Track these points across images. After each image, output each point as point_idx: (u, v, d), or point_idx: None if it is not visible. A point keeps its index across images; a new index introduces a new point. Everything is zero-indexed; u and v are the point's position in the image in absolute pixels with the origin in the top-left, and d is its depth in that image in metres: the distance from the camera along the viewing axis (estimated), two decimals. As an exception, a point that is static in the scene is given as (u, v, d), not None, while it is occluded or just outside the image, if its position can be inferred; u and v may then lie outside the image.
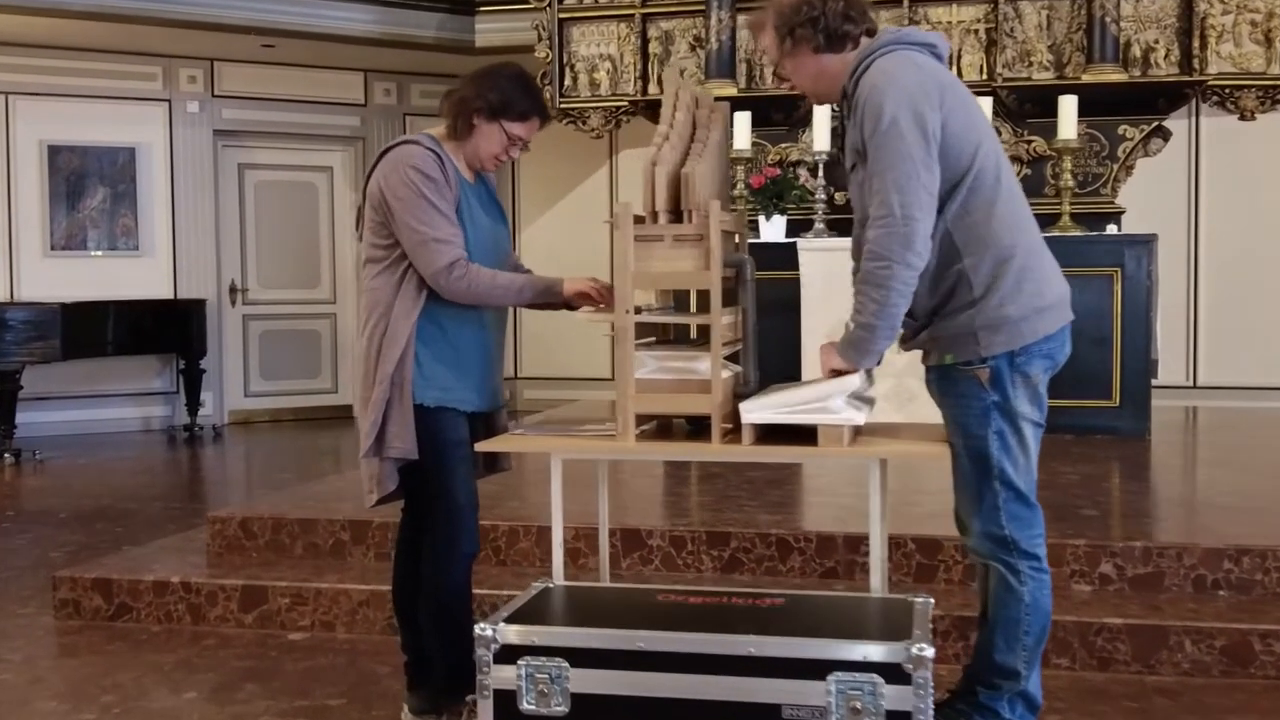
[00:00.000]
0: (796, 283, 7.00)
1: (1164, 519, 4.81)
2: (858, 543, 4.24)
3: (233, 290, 10.48)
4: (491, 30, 9.67)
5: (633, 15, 8.44)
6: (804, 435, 2.89)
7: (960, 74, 7.98)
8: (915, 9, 8.04)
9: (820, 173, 7.57)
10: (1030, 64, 7.95)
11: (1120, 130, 7.95)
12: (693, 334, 3.48)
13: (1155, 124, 7.93)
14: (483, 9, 9.70)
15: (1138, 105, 7.87)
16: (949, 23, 8.04)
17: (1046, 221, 7.66)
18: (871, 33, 2.98)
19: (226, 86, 10.25)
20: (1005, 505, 2.91)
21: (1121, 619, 3.80)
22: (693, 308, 3.54)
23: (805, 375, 6.31)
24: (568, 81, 8.59)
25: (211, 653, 4.10)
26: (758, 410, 2.90)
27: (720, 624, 2.74)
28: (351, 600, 4.27)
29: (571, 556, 4.44)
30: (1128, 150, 7.95)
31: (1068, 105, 7.20)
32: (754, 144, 7.73)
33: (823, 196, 7.54)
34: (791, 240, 7.15)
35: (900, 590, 4.09)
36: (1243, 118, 7.86)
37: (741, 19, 8.08)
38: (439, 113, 3.33)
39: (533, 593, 3.04)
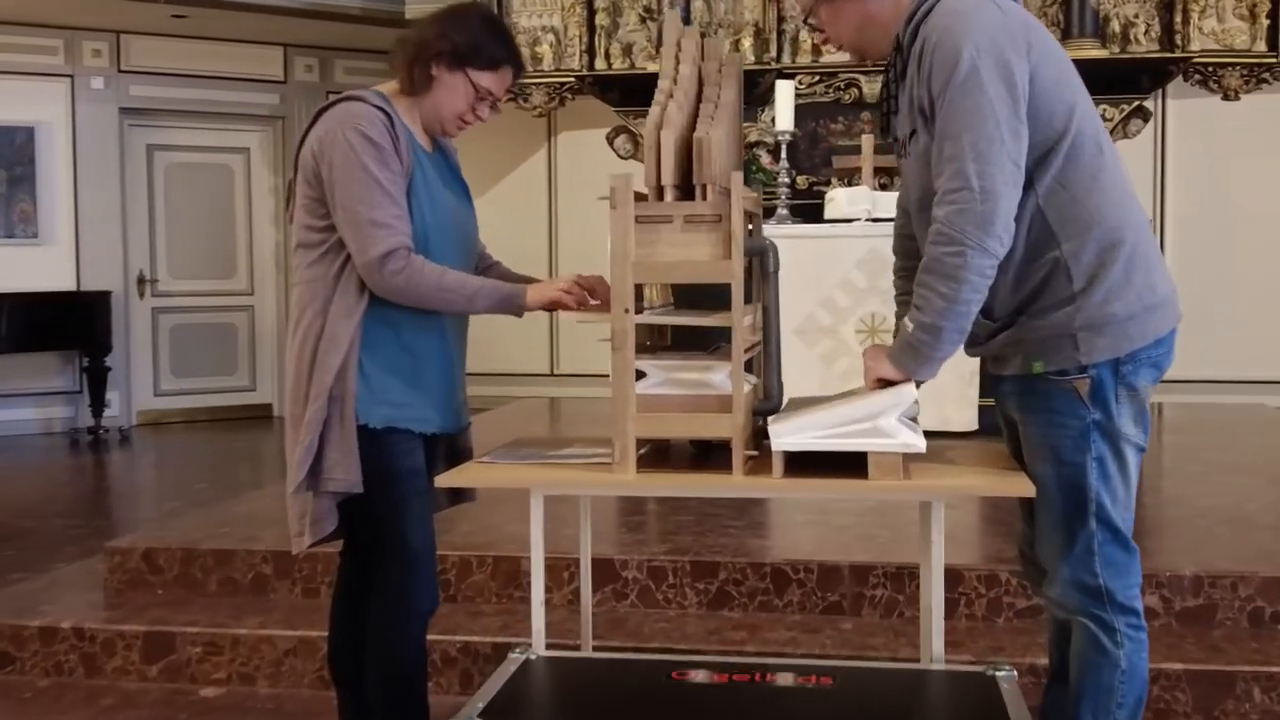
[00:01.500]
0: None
1: (1207, 540, 4.18)
2: (865, 573, 3.69)
3: (141, 281, 9.69)
4: (422, 1, 8.98)
5: (577, -17, 7.81)
6: (848, 463, 2.32)
7: (929, 50, 7.48)
8: (881, -20, 7.50)
9: (783, 154, 7.04)
10: (1004, 39, 7.46)
11: (1100, 110, 7.46)
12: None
13: (1136, 104, 7.48)
14: (412, -22, 9.01)
15: (1118, 84, 7.40)
16: (917, -5, 7.51)
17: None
18: None
19: (134, 61, 9.45)
20: (1101, 549, 2.36)
21: (1180, 664, 3.28)
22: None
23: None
24: (507, 55, 7.94)
25: (109, 715, 3.45)
26: (793, 435, 2.32)
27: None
28: (275, 648, 3.63)
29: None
30: (1109, 131, 7.48)
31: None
32: (711, 123, 7.17)
33: (785, 180, 7.01)
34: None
35: (918, 629, 3.55)
36: (1226, 97, 7.42)
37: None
38: (389, 65, 2.71)
39: (511, 668, 2.43)
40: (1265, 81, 7.36)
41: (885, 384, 2.37)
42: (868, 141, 7.22)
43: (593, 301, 2.59)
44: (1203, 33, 7.30)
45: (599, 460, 2.50)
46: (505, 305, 2.57)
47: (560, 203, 9.73)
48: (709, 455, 2.56)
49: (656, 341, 2.66)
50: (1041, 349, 2.35)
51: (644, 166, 2.42)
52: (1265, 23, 7.27)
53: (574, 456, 2.56)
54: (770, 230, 6.54)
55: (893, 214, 6.80)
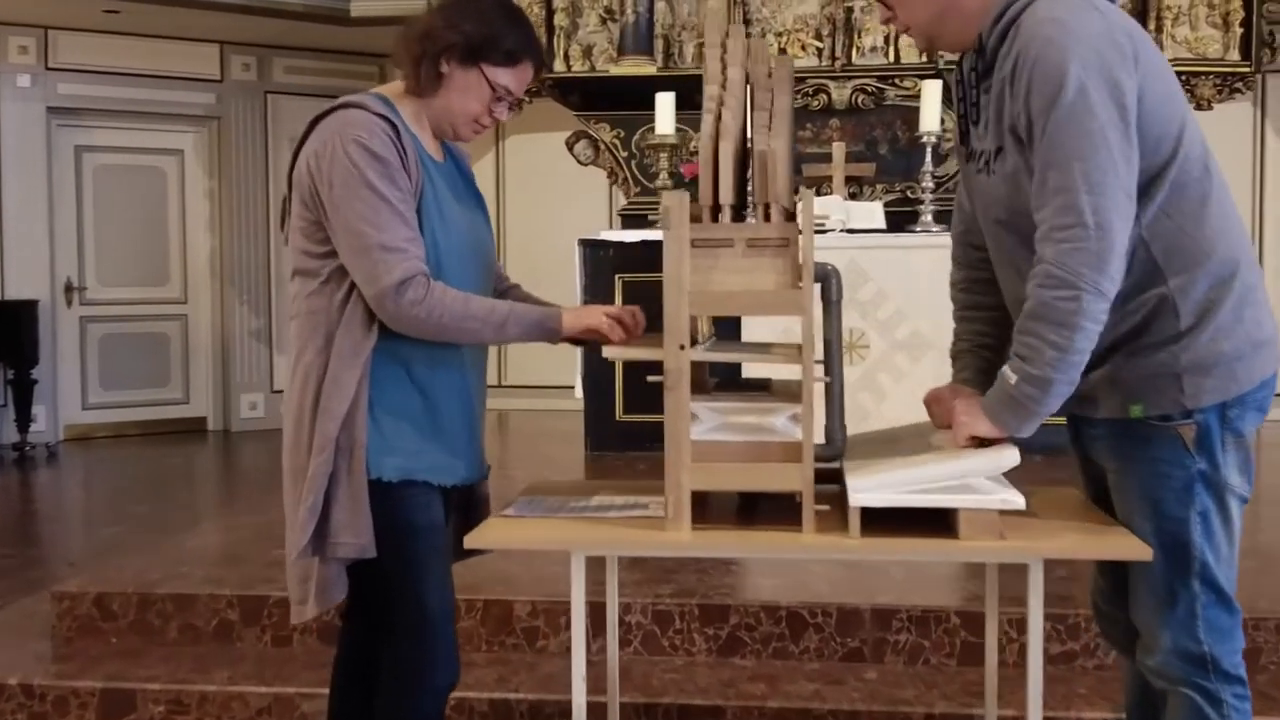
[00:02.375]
0: (736, 286, 6.21)
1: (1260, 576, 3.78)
2: (888, 617, 3.43)
3: (69, 289, 9.21)
4: (370, -1, 8.62)
5: (535, -18, 7.50)
6: (930, 518, 2.06)
7: (898, 59, 7.29)
8: (843, -11, 7.30)
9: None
10: (975, 46, 7.28)
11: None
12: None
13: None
14: (359, -26, 8.63)
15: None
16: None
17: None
18: None
19: (63, 58, 8.97)
20: (1205, 612, 2.12)
21: None
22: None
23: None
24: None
25: (61, 785, 3.10)
26: (875, 490, 2.05)
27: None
28: (248, 707, 3.29)
29: (528, 637, 3.54)
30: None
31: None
32: (676, 129, 6.91)
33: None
34: (730, 237, 6.35)
35: (948, 678, 3.30)
36: (1199, 107, 7.29)
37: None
38: (391, 62, 2.41)
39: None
40: (1238, 91, 7.25)
41: (977, 440, 2.12)
42: (839, 149, 7.01)
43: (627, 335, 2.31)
44: (1175, 41, 7.19)
45: (642, 515, 2.22)
46: (538, 331, 2.27)
47: (509, 209, 9.38)
48: (755, 505, 2.29)
49: (699, 376, 2.38)
50: (1142, 391, 2.11)
51: (699, 183, 2.15)
52: (1238, 31, 7.16)
53: (609, 509, 2.28)
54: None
55: (866, 225, 6.58)
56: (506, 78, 2.32)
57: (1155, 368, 2.10)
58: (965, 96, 2.27)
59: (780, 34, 7.33)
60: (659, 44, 7.34)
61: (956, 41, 2.22)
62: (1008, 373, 2.07)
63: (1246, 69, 7.15)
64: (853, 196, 6.97)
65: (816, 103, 7.31)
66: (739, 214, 2.18)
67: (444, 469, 2.31)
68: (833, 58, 7.28)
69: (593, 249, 6.44)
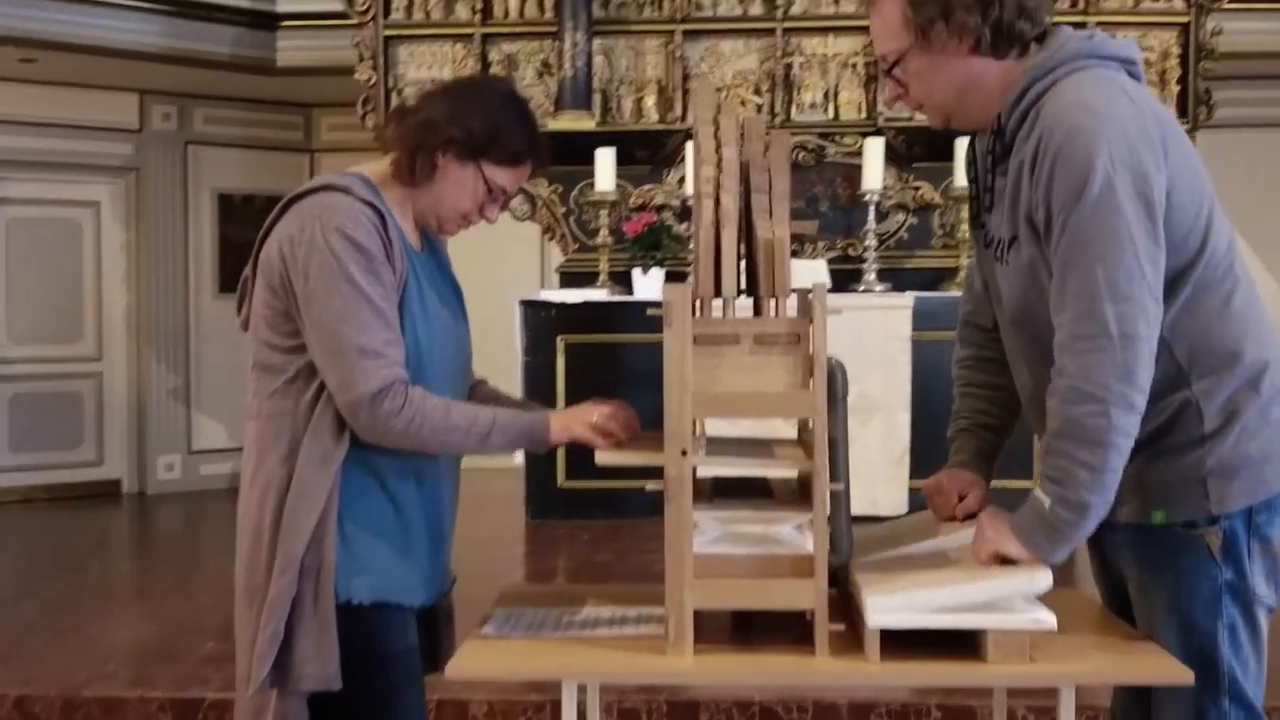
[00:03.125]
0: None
1: None
2: (866, 711, 3.27)
3: (-23, 346, 8.82)
4: (297, 48, 8.35)
5: (471, 35, 7.30)
6: (951, 637, 1.90)
7: (838, 115, 7.23)
8: (787, 40, 7.22)
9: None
10: (915, 103, 7.23)
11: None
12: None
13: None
14: (287, 23, 8.38)
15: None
16: (825, 55, 7.25)
17: (937, 278, 6.98)
18: (1041, 39, 2.03)
19: (-25, 108, 8.63)
20: (1234, 730, 1.98)
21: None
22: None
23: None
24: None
25: None
26: (897, 611, 1.88)
27: None
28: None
29: (484, 737, 3.32)
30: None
31: (964, 149, 6.48)
32: (616, 184, 6.77)
33: (694, 246, 6.64)
34: (675, 298, 6.21)
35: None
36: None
37: (599, 43, 7.10)
38: (377, 140, 2.24)
39: None
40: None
41: (1003, 560, 1.97)
42: (781, 207, 6.89)
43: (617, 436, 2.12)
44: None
45: (635, 632, 2.03)
46: (525, 440, 2.09)
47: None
48: (750, 620, 2.11)
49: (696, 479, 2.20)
50: (1165, 496, 1.98)
51: (698, 274, 1.98)
52: (1175, 88, 7.19)
53: (598, 624, 2.09)
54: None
55: (812, 285, 6.46)
56: (505, 178, 2.15)
57: (1179, 471, 1.96)
58: (979, 179, 2.13)
59: (720, 89, 7.22)
60: (597, 99, 7.19)
61: (974, 120, 2.08)
62: (1041, 496, 1.92)
63: (1185, 125, 7.16)
64: (794, 254, 6.86)
65: (757, 159, 7.19)
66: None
67: (417, 587, 2.12)
68: (772, 113, 7.19)
69: (534, 309, 6.26)
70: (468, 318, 2.32)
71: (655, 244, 6.51)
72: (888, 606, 1.88)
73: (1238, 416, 1.94)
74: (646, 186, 7.23)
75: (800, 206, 7.07)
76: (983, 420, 2.24)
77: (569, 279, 7.07)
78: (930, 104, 2.09)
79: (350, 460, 2.02)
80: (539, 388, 6.05)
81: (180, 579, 5.33)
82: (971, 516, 2.14)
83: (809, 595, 1.92)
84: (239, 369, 2.45)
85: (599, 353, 6.17)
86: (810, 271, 6.35)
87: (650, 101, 7.21)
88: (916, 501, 5.44)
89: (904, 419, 5.87)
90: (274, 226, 2.06)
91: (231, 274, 6.06)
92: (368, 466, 2.04)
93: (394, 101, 7.33)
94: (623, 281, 6.69)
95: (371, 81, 7.32)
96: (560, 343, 6.19)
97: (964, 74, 2.02)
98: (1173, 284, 1.92)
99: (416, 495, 2.10)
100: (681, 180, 6.98)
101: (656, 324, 6.45)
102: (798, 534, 2.00)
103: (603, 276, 6.71)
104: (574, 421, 2.09)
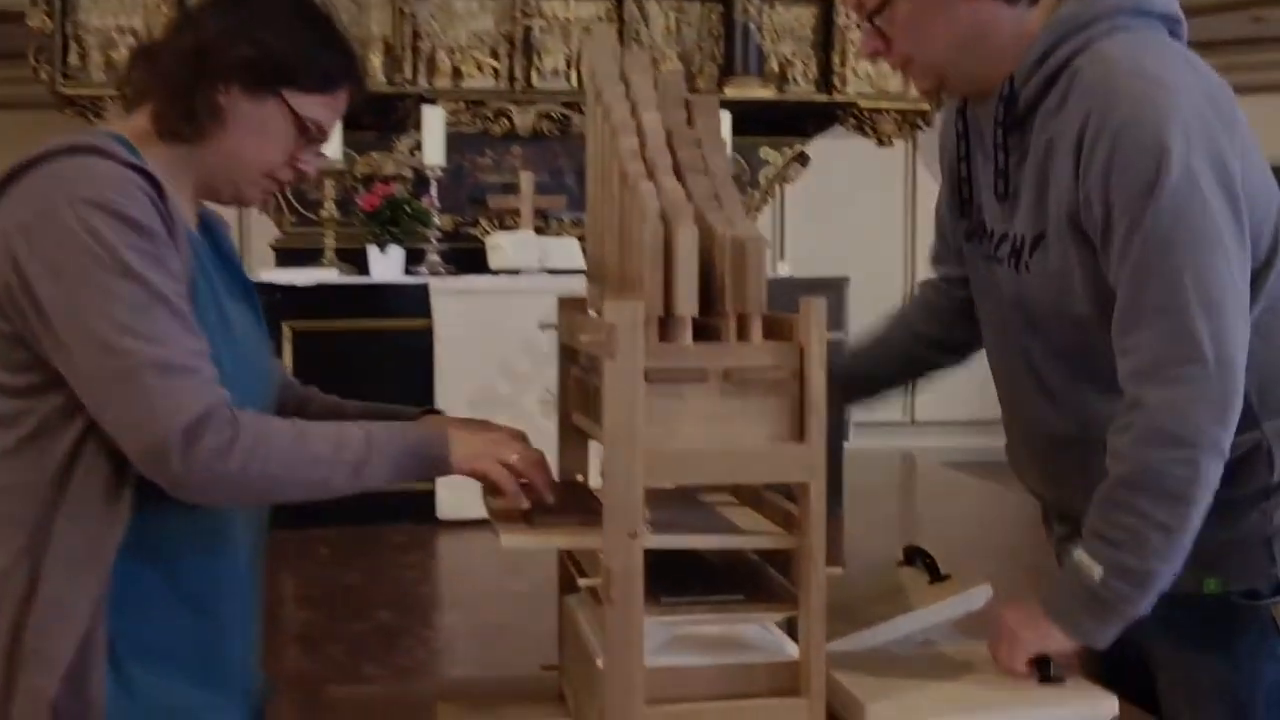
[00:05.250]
0: (429, 334, 5.49)
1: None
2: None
3: None
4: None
5: (168, -20, 6.41)
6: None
7: (579, 83, 6.74)
8: (526, 3, 6.68)
9: (434, 192, 6.08)
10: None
11: (761, 153, 7.04)
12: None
13: (799, 150, 7.09)
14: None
15: (781, 126, 6.98)
16: (566, 19, 6.75)
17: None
18: None
19: None
20: None
21: None
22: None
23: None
24: (74, 60, 6.38)
25: None
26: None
27: None
28: None
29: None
30: (770, 176, 7.04)
31: (724, 124, 6.15)
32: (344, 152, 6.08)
33: (437, 222, 6.07)
34: (420, 280, 5.61)
35: None
36: (881, 143, 7.17)
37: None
38: (119, 89, 1.58)
39: None
40: (918, 127, 7.17)
41: (1038, 664, 1.54)
42: (526, 179, 6.40)
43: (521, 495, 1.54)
44: (858, 75, 7.02)
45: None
46: (413, 465, 1.47)
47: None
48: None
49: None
50: (1220, 559, 1.59)
51: (643, 287, 1.43)
52: (919, 68, 7.08)
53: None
54: (444, 284, 5.61)
55: (567, 264, 5.94)
56: (319, 109, 1.53)
57: (1239, 529, 1.58)
58: (969, 156, 1.68)
59: (452, 51, 6.61)
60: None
61: (975, 82, 1.63)
62: (1087, 562, 1.49)
63: (927, 106, 7.07)
64: (538, 231, 6.36)
65: (498, 127, 6.64)
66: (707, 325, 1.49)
67: (224, 712, 1.49)
68: (511, 80, 6.64)
69: (257, 292, 5.49)
70: (264, 320, 1.72)
71: (393, 219, 5.86)
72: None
73: None
74: (375, 154, 6.53)
75: (546, 180, 6.57)
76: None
77: (287, 256, 6.31)
78: (921, 61, 1.63)
79: (130, 549, 1.38)
80: (262, 382, 5.31)
81: None
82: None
83: (801, 717, 1.42)
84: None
85: (332, 341, 5.48)
86: (565, 251, 5.86)
87: (377, 62, 6.50)
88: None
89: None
90: None
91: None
92: (155, 554, 1.40)
93: (73, 53, 6.35)
94: (353, 260, 6.00)
95: (49, 30, 6.28)
96: (287, 329, 5.46)
97: (968, 21, 1.57)
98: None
99: (221, 581, 1.48)
100: (415, 149, 6.34)
101: (397, 308, 5.66)
102: (771, 634, 1.50)
103: (330, 254, 6.00)
104: (486, 452, 1.49)
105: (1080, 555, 1.51)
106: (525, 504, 1.48)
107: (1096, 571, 1.49)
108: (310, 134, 1.54)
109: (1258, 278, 1.54)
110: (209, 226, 1.63)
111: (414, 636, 4.14)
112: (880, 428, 7.57)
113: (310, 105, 1.52)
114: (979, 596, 1.64)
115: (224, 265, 1.63)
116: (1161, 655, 1.68)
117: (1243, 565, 1.59)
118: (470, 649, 3.99)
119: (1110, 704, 1.49)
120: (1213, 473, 1.46)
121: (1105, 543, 1.49)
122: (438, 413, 1.73)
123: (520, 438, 1.55)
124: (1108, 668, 1.73)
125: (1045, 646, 1.52)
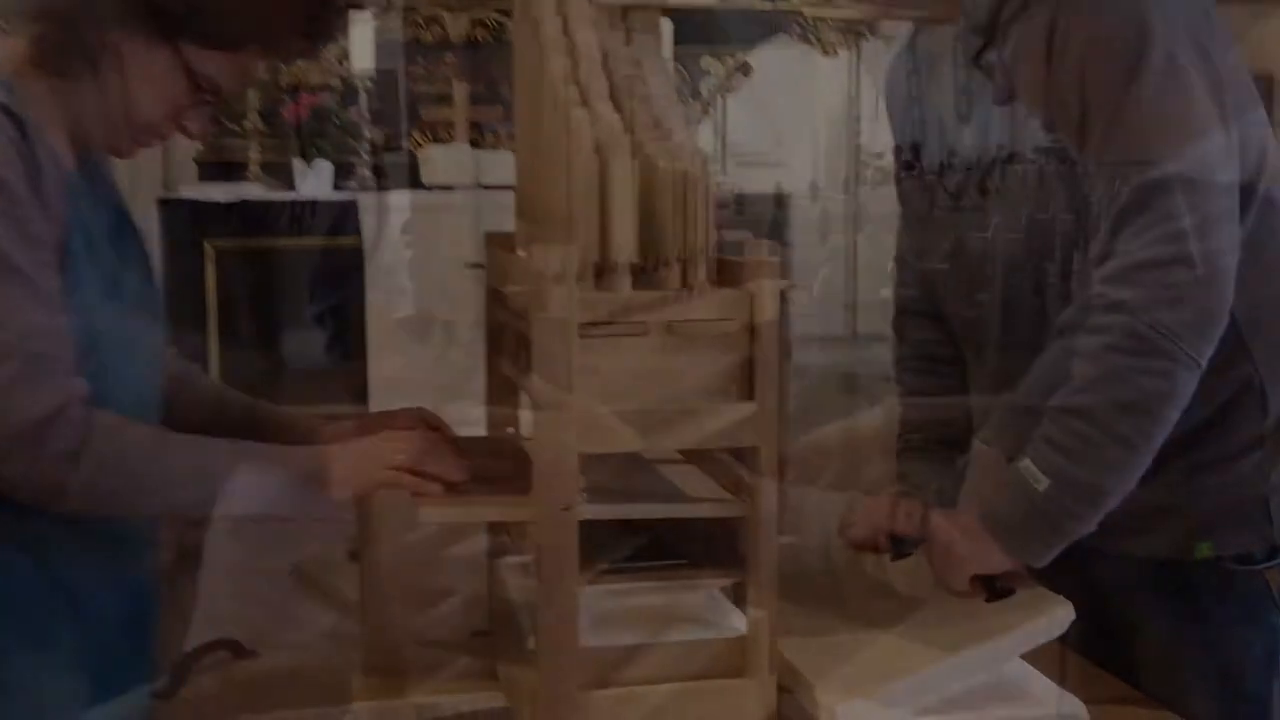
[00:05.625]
0: (358, 252, 5.28)
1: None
2: None
3: None
4: None
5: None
6: None
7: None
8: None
9: (363, 104, 5.84)
10: (598, -23, 6.60)
11: (703, 63, 6.83)
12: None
13: (743, 60, 6.89)
14: None
15: (722, 34, 6.77)
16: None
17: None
18: None
19: None
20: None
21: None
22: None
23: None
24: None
25: None
26: (875, 713, 1.30)
27: None
28: None
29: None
30: (712, 88, 6.84)
31: (664, 32, 5.94)
32: (268, 61, 5.81)
33: (367, 134, 5.83)
34: (349, 196, 5.40)
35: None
36: (826, 53, 6.98)
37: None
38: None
39: None
40: (863, 37, 6.98)
41: (983, 578, 1.42)
42: (460, 90, 6.15)
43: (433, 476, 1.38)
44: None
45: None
46: (287, 502, 1.30)
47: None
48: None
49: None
50: (1213, 520, 1.48)
51: (575, 229, 1.28)
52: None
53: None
54: (372, 200, 5.39)
55: (505, 180, 5.77)
56: (215, 65, 1.35)
57: (1232, 487, 1.47)
58: (922, 94, 1.54)
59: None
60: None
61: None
62: (1033, 472, 1.36)
63: (872, 15, 6.89)
64: (473, 144, 6.13)
65: (430, 35, 6.36)
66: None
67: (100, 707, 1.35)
68: (437, -17, 6.37)
69: (174, 209, 5.26)
70: (154, 273, 1.54)
71: (320, 131, 5.62)
72: (857, 714, 1.29)
73: None
74: (300, 63, 6.25)
75: (480, 90, 6.34)
76: (939, 433, 1.68)
77: (211, 170, 6.04)
78: None
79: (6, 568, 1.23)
80: (184, 304, 5.10)
81: None
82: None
83: (754, 701, 1.30)
84: None
85: (256, 260, 5.26)
86: (501, 165, 5.65)
87: (301, -36, 6.21)
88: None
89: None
90: None
91: None
92: (20, 545, 1.24)
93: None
94: (277, 174, 5.76)
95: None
96: (209, 248, 5.23)
97: None
98: None
99: (110, 578, 1.32)
100: (344, 58, 6.07)
101: (325, 226, 5.36)
102: (715, 603, 1.38)
103: (255, 169, 5.76)
104: (366, 464, 1.33)
105: (1026, 464, 1.38)
106: (432, 497, 1.33)
107: (1042, 483, 1.36)
108: (204, 89, 1.35)
109: (1251, 185, 1.40)
110: (94, 166, 1.45)
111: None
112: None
113: (208, 61, 1.34)
114: (1062, 620, 1.39)
115: (112, 211, 1.46)
116: (1142, 622, 1.56)
117: (1238, 529, 1.49)
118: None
119: (1066, 611, 1.37)
120: (1187, 389, 1.33)
121: (1055, 449, 1.36)
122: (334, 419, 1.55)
123: (409, 426, 1.40)
124: (1084, 636, 1.63)
125: (983, 566, 1.40)
